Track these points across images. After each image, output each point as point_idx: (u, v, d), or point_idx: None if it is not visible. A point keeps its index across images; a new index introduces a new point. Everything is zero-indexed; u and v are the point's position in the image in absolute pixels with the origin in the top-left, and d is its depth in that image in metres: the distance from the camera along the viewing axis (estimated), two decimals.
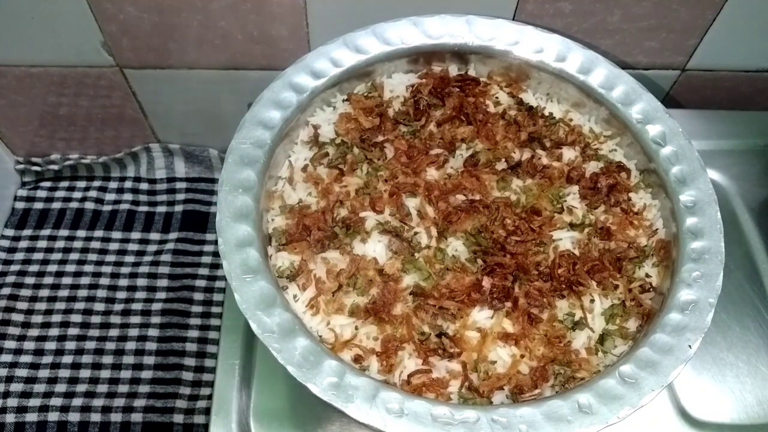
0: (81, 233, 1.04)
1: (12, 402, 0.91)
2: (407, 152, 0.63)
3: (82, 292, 1.00)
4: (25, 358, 0.95)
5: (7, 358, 0.94)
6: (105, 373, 0.94)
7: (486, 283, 0.56)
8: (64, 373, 0.94)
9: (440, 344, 0.54)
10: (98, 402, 0.91)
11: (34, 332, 0.97)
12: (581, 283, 0.57)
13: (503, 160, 0.64)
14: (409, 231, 0.59)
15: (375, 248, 0.58)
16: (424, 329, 0.55)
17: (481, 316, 0.55)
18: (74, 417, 0.90)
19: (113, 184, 1.09)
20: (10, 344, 0.95)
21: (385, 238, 0.58)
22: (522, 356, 0.54)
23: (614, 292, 0.58)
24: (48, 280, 1.01)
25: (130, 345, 0.96)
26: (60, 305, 0.99)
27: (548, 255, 0.59)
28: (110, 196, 1.08)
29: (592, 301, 0.57)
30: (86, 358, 0.95)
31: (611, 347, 0.55)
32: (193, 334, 0.97)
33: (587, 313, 0.56)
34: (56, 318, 0.98)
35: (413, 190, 0.61)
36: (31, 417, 0.90)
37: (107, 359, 0.95)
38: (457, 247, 0.59)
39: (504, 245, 0.59)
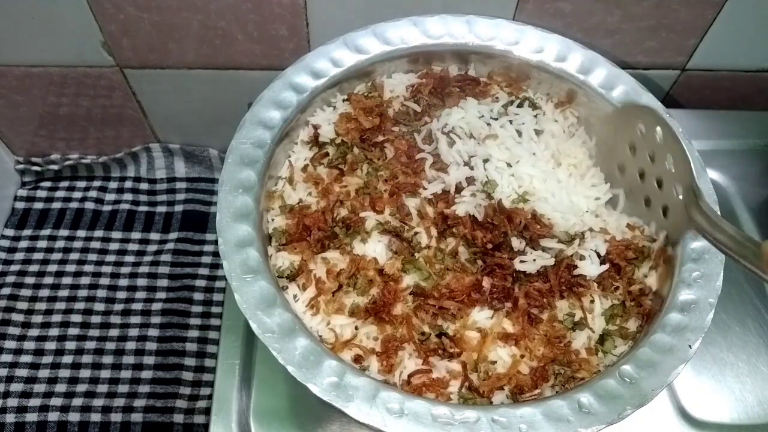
0: (81, 233, 1.05)
1: (12, 402, 0.91)
2: (407, 152, 0.63)
3: (82, 292, 1.00)
4: (25, 358, 0.95)
5: (7, 358, 0.94)
6: (105, 373, 0.94)
7: (486, 283, 0.56)
8: (64, 373, 0.94)
9: (440, 344, 0.54)
10: (98, 402, 0.91)
11: (34, 332, 0.97)
12: (581, 285, 0.57)
13: None
14: (409, 231, 0.59)
15: (375, 248, 0.58)
16: (424, 329, 0.55)
17: (481, 316, 0.55)
18: (74, 417, 0.90)
19: (113, 184, 1.09)
20: (10, 344, 0.95)
21: (385, 238, 0.58)
22: (522, 356, 0.54)
23: (614, 293, 0.58)
24: (48, 280, 1.01)
25: (130, 345, 0.96)
26: (60, 305, 0.99)
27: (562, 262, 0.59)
28: (110, 196, 1.08)
29: (592, 301, 0.57)
30: (86, 358, 0.95)
31: (611, 347, 0.55)
32: (193, 334, 0.97)
33: (587, 313, 0.56)
34: (56, 318, 0.98)
35: (413, 190, 0.61)
36: (31, 417, 0.90)
37: (107, 359, 0.95)
38: (460, 251, 0.59)
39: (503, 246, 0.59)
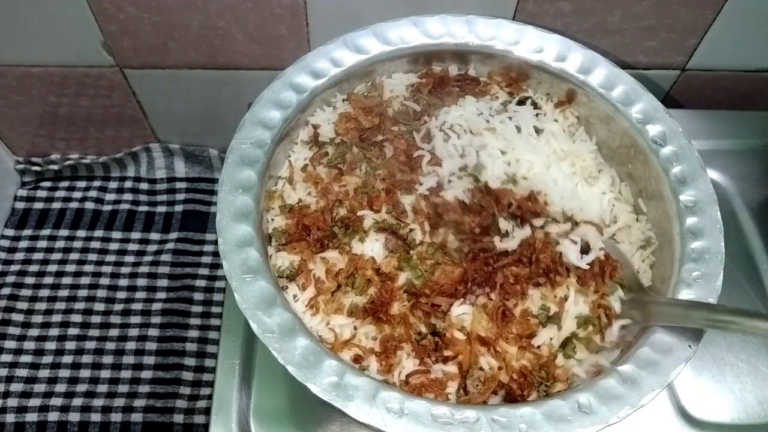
0: (81, 233, 1.05)
1: (12, 402, 0.91)
2: (406, 151, 0.63)
3: (82, 292, 1.00)
4: (25, 358, 0.95)
5: (7, 358, 0.94)
6: (105, 373, 0.94)
7: (470, 270, 0.56)
8: (64, 373, 0.94)
9: (433, 342, 0.54)
10: (98, 402, 0.91)
11: (34, 332, 0.97)
12: (559, 272, 0.56)
13: None
14: (404, 228, 0.59)
15: (373, 247, 0.58)
16: (421, 329, 0.55)
17: (460, 310, 0.55)
18: (74, 417, 0.90)
19: (113, 184, 1.09)
20: (10, 344, 0.95)
21: (382, 236, 0.58)
22: (500, 368, 0.53)
23: (588, 290, 0.56)
24: (48, 280, 1.01)
25: (130, 345, 0.96)
26: (60, 305, 0.99)
27: (536, 240, 0.58)
28: (110, 196, 1.08)
29: (566, 297, 0.56)
30: (86, 358, 0.95)
31: (572, 352, 0.54)
32: (193, 334, 0.97)
33: (562, 309, 0.55)
34: (56, 318, 0.98)
35: (409, 187, 0.61)
36: (31, 417, 0.90)
37: (107, 359, 0.95)
38: (449, 239, 0.58)
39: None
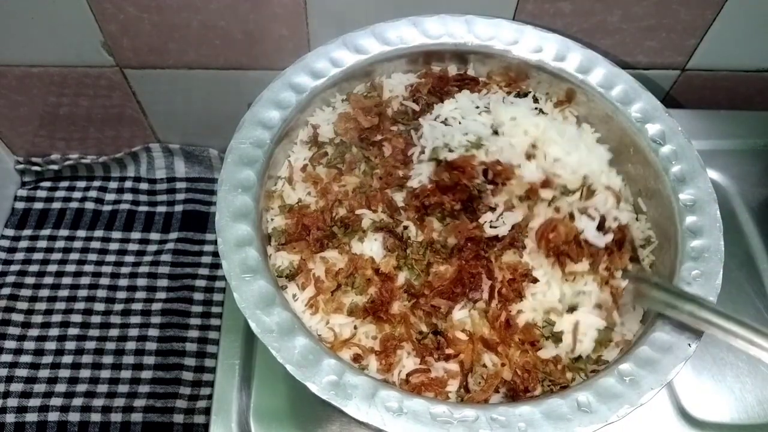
0: (81, 233, 1.05)
1: (12, 402, 0.91)
2: (404, 150, 0.63)
3: (82, 292, 1.00)
4: (25, 358, 0.95)
5: (7, 358, 0.94)
6: (105, 373, 0.94)
7: (465, 270, 0.55)
8: (64, 373, 0.94)
9: (435, 341, 0.54)
10: (98, 402, 0.91)
11: (34, 332, 0.97)
12: (570, 255, 0.55)
13: None
14: (399, 225, 0.59)
15: (372, 247, 0.58)
16: (422, 328, 0.55)
17: (461, 314, 0.55)
18: (74, 417, 0.90)
19: (113, 184, 1.09)
20: (10, 344, 0.95)
21: (380, 235, 0.58)
22: (503, 365, 0.53)
23: (598, 269, 0.56)
24: (48, 280, 1.01)
25: (130, 345, 0.96)
26: (60, 305, 0.99)
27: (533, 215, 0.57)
28: (110, 196, 1.08)
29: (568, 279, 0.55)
30: (86, 358, 0.95)
31: (579, 369, 0.55)
32: (193, 334, 0.97)
33: (579, 331, 0.54)
34: (56, 318, 0.98)
35: (401, 183, 0.61)
36: (31, 417, 0.90)
37: (107, 359, 0.95)
38: (435, 227, 0.58)
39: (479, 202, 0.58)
